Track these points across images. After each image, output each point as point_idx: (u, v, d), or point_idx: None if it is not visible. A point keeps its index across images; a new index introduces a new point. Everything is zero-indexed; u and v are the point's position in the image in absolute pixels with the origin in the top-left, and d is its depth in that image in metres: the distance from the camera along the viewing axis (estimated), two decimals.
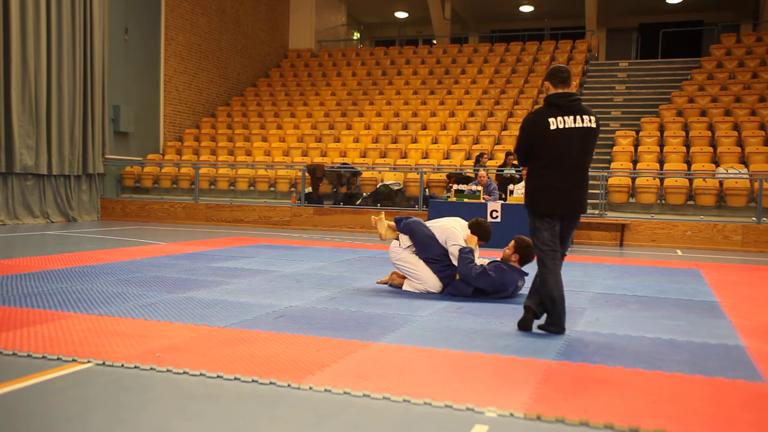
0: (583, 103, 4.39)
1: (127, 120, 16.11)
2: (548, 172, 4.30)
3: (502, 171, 13.07)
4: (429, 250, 5.80)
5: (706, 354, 3.94)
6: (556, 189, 4.28)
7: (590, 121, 4.29)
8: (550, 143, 4.26)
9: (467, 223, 5.93)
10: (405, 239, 5.94)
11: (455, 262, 5.67)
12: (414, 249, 5.90)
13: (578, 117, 4.27)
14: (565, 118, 4.25)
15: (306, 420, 2.76)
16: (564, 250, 4.47)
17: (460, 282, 5.68)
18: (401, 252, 5.93)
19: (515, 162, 12.67)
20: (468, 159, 15.19)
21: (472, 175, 13.25)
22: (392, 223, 6.17)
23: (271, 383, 3.19)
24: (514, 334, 4.32)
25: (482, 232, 5.81)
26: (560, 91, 4.33)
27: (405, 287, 5.94)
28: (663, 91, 17.40)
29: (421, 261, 5.84)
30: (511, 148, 14.38)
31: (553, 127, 4.24)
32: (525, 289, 5.77)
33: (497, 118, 16.95)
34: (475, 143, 15.99)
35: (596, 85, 18.50)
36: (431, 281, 5.79)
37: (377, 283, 6.32)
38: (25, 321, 4.34)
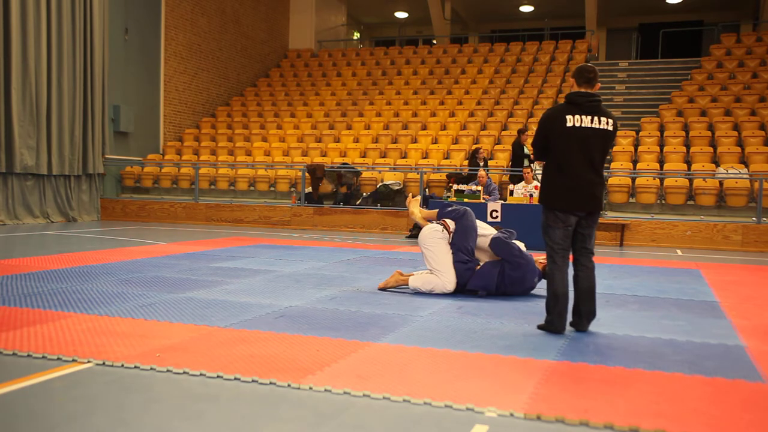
0: (603, 104, 4.43)
1: (127, 120, 16.11)
2: (563, 169, 4.35)
3: (522, 150, 12.69)
4: (467, 239, 5.68)
5: (706, 354, 3.94)
6: (570, 187, 4.33)
7: (607, 123, 4.34)
8: (565, 140, 4.31)
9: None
10: (451, 224, 5.79)
11: (486, 241, 5.69)
12: (452, 238, 5.75)
13: (596, 118, 4.31)
14: (583, 117, 4.30)
15: (306, 420, 2.76)
16: (590, 247, 4.53)
17: (485, 272, 5.63)
18: (438, 235, 5.75)
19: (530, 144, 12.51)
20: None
21: (470, 173, 13.24)
22: (428, 212, 6.10)
23: (271, 383, 3.19)
24: (514, 334, 4.32)
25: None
26: (582, 90, 4.37)
27: (412, 283, 5.78)
28: (663, 91, 17.40)
29: (449, 254, 5.70)
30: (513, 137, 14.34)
31: (569, 124, 4.29)
32: (536, 290, 5.82)
33: (497, 118, 16.95)
34: (475, 143, 15.98)
35: None
36: (448, 273, 5.64)
37: (378, 288, 6.00)
38: (25, 321, 4.33)
